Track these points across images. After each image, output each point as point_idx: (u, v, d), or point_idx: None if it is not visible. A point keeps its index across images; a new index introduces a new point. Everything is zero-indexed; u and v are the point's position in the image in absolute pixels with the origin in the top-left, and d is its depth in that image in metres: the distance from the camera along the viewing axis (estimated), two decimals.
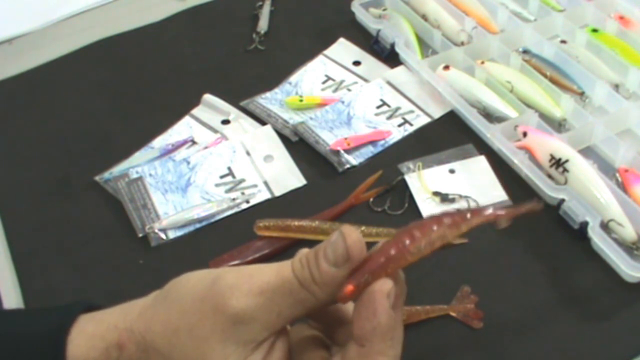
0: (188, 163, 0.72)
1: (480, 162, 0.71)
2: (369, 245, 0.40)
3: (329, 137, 0.74)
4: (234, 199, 0.69)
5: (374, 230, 0.64)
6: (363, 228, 0.63)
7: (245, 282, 0.39)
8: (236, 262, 0.62)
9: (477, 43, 0.82)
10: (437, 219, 0.39)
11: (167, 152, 0.74)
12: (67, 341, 0.42)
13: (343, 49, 0.86)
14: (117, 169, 0.72)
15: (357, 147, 0.73)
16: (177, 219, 0.67)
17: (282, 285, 0.39)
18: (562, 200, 0.64)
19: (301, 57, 0.85)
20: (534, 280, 0.61)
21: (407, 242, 0.39)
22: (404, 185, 0.69)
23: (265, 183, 0.71)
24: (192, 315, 0.40)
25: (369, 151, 0.73)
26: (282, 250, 0.64)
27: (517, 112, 0.73)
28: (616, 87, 0.76)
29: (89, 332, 0.43)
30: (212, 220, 0.68)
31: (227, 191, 0.70)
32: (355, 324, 0.39)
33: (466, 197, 0.67)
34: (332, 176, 0.71)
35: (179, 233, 0.67)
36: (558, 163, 0.66)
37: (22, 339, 0.44)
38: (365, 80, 0.82)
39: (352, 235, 0.39)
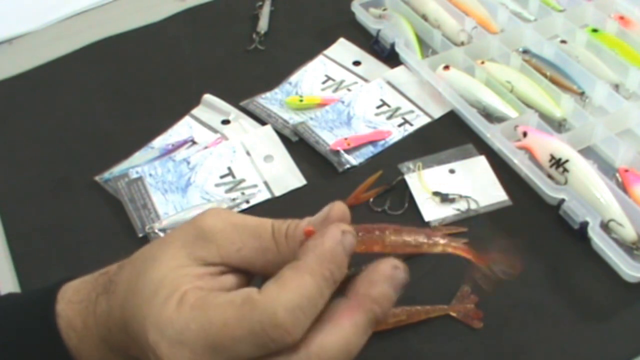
0: (188, 163, 0.72)
1: (480, 162, 0.71)
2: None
3: (329, 137, 0.74)
4: (234, 199, 0.69)
5: None
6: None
7: (228, 213, 0.41)
8: None
9: (477, 43, 0.82)
10: (412, 230, 0.41)
11: (167, 152, 0.74)
12: (57, 292, 0.45)
13: (343, 49, 0.86)
14: (117, 169, 0.72)
15: (357, 147, 0.73)
16: (177, 219, 0.67)
17: (255, 227, 0.40)
18: (562, 200, 0.64)
19: (301, 57, 0.85)
20: (534, 280, 0.61)
21: (387, 232, 0.41)
22: (404, 185, 0.69)
23: (265, 183, 0.71)
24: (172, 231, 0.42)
25: (369, 151, 0.73)
26: None
27: (517, 112, 0.73)
28: (616, 87, 0.76)
29: (76, 282, 0.46)
30: None
31: (227, 191, 0.70)
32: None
33: (466, 197, 0.67)
34: (332, 176, 0.71)
35: None
36: (558, 163, 0.66)
37: (11, 302, 0.48)
38: (365, 80, 0.82)
39: (340, 204, 0.41)
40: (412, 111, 0.77)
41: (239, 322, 0.36)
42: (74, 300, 0.44)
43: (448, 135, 0.74)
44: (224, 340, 0.36)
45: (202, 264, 0.39)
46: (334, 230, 0.39)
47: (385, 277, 0.39)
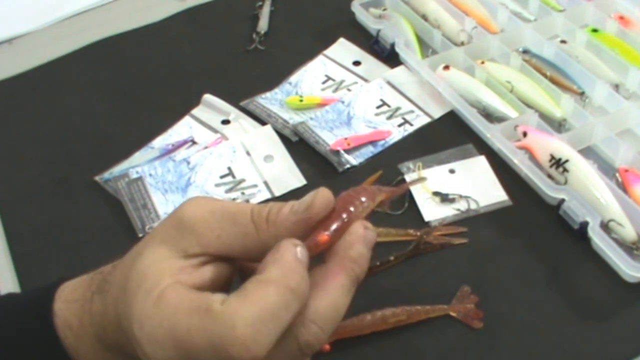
0: (188, 163, 0.72)
1: (480, 162, 0.71)
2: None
3: (329, 137, 0.74)
4: (234, 199, 0.69)
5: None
6: None
7: (208, 200, 0.41)
8: None
9: (477, 43, 0.82)
10: (358, 191, 0.43)
11: (167, 152, 0.74)
12: (55, 291, 0.45)
13: (343, 49, 0.86)
14: (117, 169, 0.72)
15: (357, 147, 0.73)
16: None
17: (234, 213, 0.40)
18: (562, 200, 0.64)
19: (301, 57, 0.85)
20: (534, 280, 0.61)
21: (352, 208, 0.41)
22: None
23: (265, 183, 0.71)
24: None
25: (369, 151, 0.73)
26: None
27: (517, 112, 0.73)
28: (616, 87, 0.76)
29: (73, 281, 0.46)
30: None
31: (227, 191, 0.70)
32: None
33: (466, 197, 0.67)
34: (332, 176, 0.71)
35: None
36: (558, 163, 0.66)
37: (9, 301, 0.48)
38: (365, 80, 0.82)
39: (324, 191, 0.40)
40: (412, 111, 0.77)
41: (200, 332, 0.35)
42: (70, 299, 0.44)
43: (448, 135, 0.74)
44: (187, 346, 0.36)
45: (183, 256, 0.39)
46: (287, 244, 0.38)
47: (359, 237, 0.40)
